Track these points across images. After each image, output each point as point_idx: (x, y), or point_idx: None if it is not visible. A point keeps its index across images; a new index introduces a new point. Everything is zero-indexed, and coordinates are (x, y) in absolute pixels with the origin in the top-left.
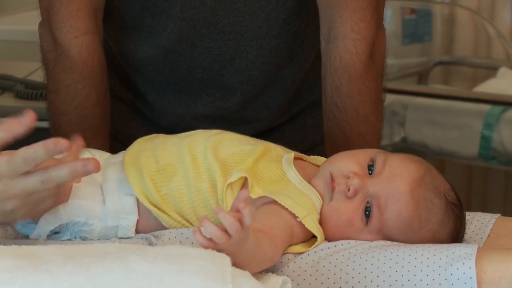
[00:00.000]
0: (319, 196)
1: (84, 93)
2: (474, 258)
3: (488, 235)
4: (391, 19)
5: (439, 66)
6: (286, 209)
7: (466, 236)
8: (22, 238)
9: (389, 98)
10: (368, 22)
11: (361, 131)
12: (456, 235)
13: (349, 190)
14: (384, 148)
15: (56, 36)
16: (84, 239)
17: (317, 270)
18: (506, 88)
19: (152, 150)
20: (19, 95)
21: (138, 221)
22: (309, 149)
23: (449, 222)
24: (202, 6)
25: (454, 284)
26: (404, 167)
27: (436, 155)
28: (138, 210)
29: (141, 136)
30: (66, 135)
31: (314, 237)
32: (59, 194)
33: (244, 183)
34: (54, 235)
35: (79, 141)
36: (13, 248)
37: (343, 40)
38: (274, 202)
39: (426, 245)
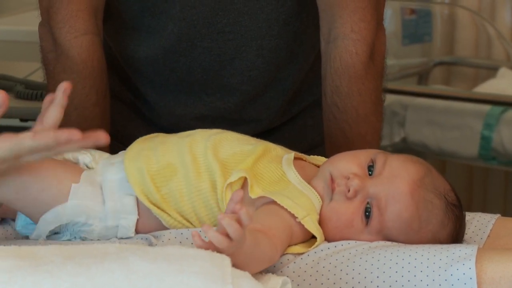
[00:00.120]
0: (319, 197)
1: (84, 93)
2: (474, 258)
3: (488, 236)
4: (391, 19)
5: (439, 66)
6: (286, 210)
7: (466, 237)
8: (22, 238)
9: (389, 98)
10: (368, 22)
11: (361, 131)
12: (456, 236)
13: (349, 191)
14: (384, 148)
15: (56, 36)
16: (83, 239)
17: (317, 271)
18: (506, 89)
19: (152, 149)
20: (19, 96)
21: (138, 221)
22: (309, 150)
23: (449, 222)
24: (202, 6)
25: (454, 285)
26: (404, 168)
27: (436, 156)
28: (138, 210)
29: (141, 136)
30: None
31: (314, 237)
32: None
33: (244, 183)
34: (53, 235)
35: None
36: (13, 249)
37: (343, 40)
38: (274, 202)
39: (426, 246)
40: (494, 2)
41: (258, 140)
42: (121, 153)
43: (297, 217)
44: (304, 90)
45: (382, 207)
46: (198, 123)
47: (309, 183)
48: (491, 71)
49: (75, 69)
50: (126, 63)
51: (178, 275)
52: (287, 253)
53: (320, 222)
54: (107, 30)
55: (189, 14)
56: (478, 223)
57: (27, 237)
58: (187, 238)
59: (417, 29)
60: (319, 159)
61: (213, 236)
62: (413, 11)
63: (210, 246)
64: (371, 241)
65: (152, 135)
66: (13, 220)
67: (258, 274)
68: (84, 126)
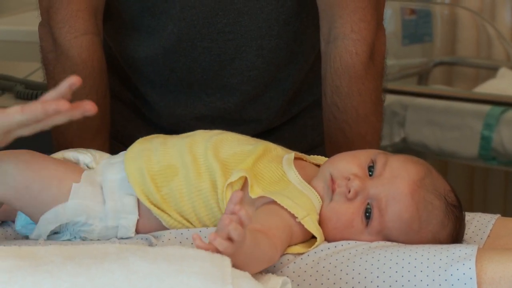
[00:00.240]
0: (319, 197)
1: (84, 93)
2: (474, 258)
3: (488, 236)
4: (391, 19)
5: (439, 66)
6: (286, 210)
7: (466, 237)
8: (22, 238)
9: (389, 98)
10: (368, 22)
11: (361, 131)
12: (456, 236)
13: (349, 192)
14: (384, 148)
15: (56, 36)
16: (83, 239)
17: (317, 271)
18: (506, 89)
19: (152, 150)
20: (19, 96)
21: (138, 221)
22: (309, 150)
23: (449, 223)
24: (202, 7)
25: (454, 285)
26: (404, 169)
27: (436, 156)
28: (139, 210)
29: (141, 136)
30: (66, 135)
31: (314, 237)
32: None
33: (245, 183)
34: (53, 235)
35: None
36: (13, 249)
37: (343, 40)
38: (274, 202)
39: (426, 246)
40: (494, 2)
41: (258, 140)
42: (121, 153)
43: (297, 217)
44: (304, 90)
45: (383, 207)
46: (198, 123)
47: (309, 183)
48: (491, 71)
49: (75, 69)
50: (126, 63)
51: (178, 275)
52: (287, 253)
53: (320, 223)
54: (107, 30)
55: (189, 14)
56: (478, 223)
57: (27, 237)
58: (187, 238)
59: (417, 29)
60: (319, 159)
61: (219, 243)
62: (413, 11)
63: (210, 248)
64: (371, 241)
65: (152, 136)
66: (13, 221)
67: (258, 274)
68: (84, 127)
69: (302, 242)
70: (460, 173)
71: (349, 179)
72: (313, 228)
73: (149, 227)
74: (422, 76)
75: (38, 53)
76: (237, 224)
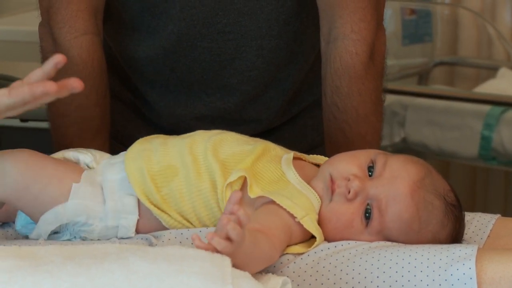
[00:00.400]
0: (318, 197)
1: (84, 93)
2: (474, 258)
3: (488, 236)
4: (391, 19)
5: (439, 66)
6: (285, 210)
7: (466, 237)
8: (22, 238)
9: (389, 98)
10: (368, 22)
11: (361, 131)
12: (456, 236)
13: (349, 192)
14: (384, 148)
15: (56, 36)
16: (84, 239)
17: (317, 271)
18: (506, 89)
19: (152, 150)
20: None
21: (138, 221)
22: (309, 150)
23: (448, 223)
24: (202, 6)
25: (454, 285)
26: (404, 169)
27: (436, 156)
28: (139, 210)
29: (141, 136)
30: (66, 136)
31: (313, 237)
32: None
33: (244, 183)
34: (53, 235)
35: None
36: (13, 249)
37: (343, 40)
38: (273, 202)
39: (426, 246)
40: (495, 2)
41: (258, 140)
42: (121, 153)
43: (296, 217)
44: (304, 90)
45: (383, 208)
46: (198, 123)
47: (308, 183)
48: (491, 71)
49: (75, 69)
50: (126, 63)
51: (178, 275)
52: (287, 253)
53: (320, 223)
54: (107, 30)
55: (189, 14)
56: (478, 223)
57: (27, 237)
58: (187, 238)
59: (417, 29)
60: (319, 158)
61: (218, 242)
62: (413, 11)
63: (209, 247)
64: (371, 241)
65: (152, 136)
66: (14, 222)
67: (258, 274)
68: (84, 127)
69: (302, 242)
70: (462, 173)
71: (348, 180)
72: (312, 228)
73: (149, 227)
74: (422, 76)
75: (38, 53)
76: (235, 223)
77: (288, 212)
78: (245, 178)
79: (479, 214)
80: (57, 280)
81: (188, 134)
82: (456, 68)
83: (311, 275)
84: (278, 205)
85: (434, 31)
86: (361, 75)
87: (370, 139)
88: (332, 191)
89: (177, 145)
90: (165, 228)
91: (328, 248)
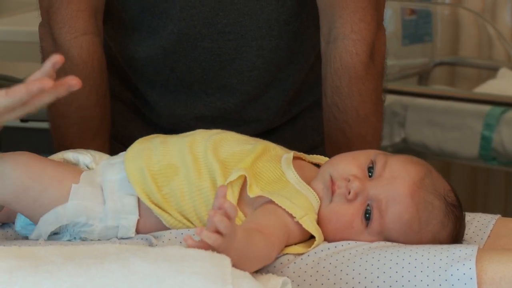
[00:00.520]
0: (317, 197)
1: (84, 94)
2: (474, 258)
3: (489, 236)
4: (391, 19)
5: (439, 66)
6: (284, 209)
7: (466, 237)
8: (22, 239)
9: (390, 98)
10: (368, 22)
11: (362, 131)
12: (456, 236)
13: (349, 193)
14: (384, 149)
15: (56, 36)
16: (84, 239)
17: (317, 271)
18: (506, 89)
19: (152, 149)
20: None
21: (138, 221)
22: (309, 150)
23: (449, 223)
24: (202, 7)
25: (455, 285)
26: (404, 169)
27: (436, 156)
28: (139, 210)
29: (141, 136)
30: (66, 136)
31: (313, 237)
32: None
33: (244, 182)
34: (53, 235)
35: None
36: (14, 249)
37: (343, 40)
38: (272, 202)
39: (427, 246)
40: (495, 2)
41: (258, 139)
42: (121, 154)
43: (294, 217)
44: (304, 90)
45: (383, 209)
46: (198, 123)
47: (308, 183)
48: (492, 71)
49: (75, 69)
50: (126, 63)
51: (178, 275)
52: (287, 253)
53: (320, 223)
54: (107, 30)
55: (189, 14)
56: (479, 223)
57: (26, 238)
58: None
59: (417, 29)
60: (319, 158)
61: (207, 236)
62: (413, 11)
63: (201, 245)
64: (371, 241)
65: (152, 136)
66: (13, 222)
67: (259, 274)
68: (84, 127)
69: (301, 242)
70: (463, 174)
71: (348, 180)
72: (312, 227)
73: (149, 227)
74: (422, 76)
75: (38, 53)
76: (222, 215)
77: (287, 212)
78: (245, 178)
79: (480, 214)
80: (57, 280)
81: (188, 133)
82: (456, 68)
83: (311, 275)
84: (277, 205)
85: (434, 31)
86: (361, 75)
87: (370, 139)
88: (332, 192)
89: (177, 144)
90: (165, 228)
91: (328, 249)
